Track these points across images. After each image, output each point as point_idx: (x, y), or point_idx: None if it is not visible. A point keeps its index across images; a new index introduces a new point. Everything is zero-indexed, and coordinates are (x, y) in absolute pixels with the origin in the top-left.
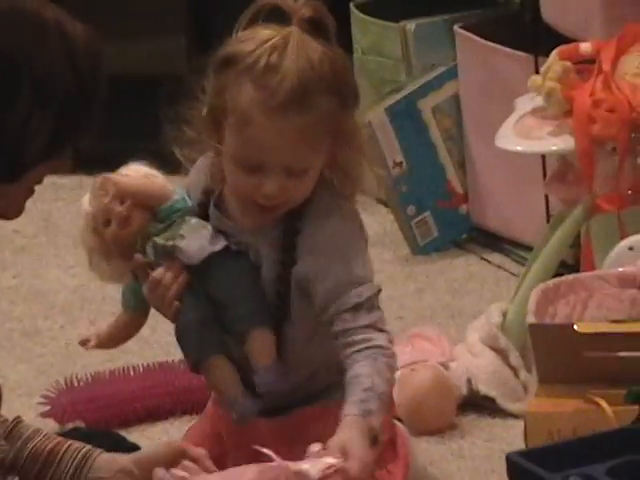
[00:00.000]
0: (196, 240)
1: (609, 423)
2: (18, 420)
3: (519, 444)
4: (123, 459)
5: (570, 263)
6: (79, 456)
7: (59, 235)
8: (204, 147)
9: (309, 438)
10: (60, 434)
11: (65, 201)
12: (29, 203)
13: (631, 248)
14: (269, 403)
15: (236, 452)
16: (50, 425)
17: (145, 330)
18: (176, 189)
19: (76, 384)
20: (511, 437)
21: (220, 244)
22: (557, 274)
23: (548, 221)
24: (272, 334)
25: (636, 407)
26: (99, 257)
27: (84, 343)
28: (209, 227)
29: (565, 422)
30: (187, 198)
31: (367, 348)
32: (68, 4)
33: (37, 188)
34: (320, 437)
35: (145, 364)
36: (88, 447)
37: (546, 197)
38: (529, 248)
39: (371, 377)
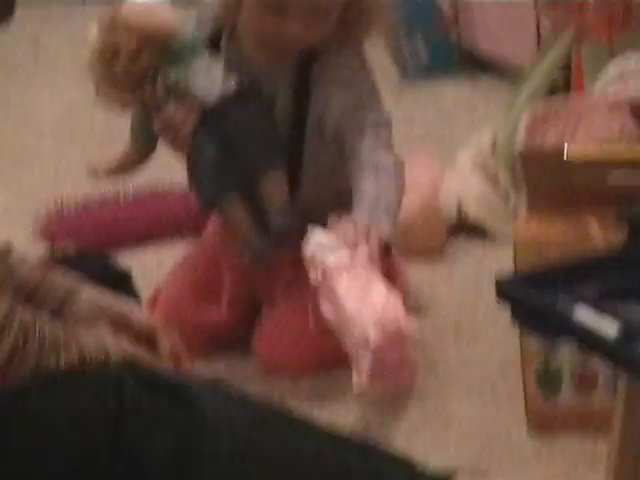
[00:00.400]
0: (209, 80)
1: (598, 247)
2: (8, 249)
3: (508, 268)
4: (104, 305)
5: (561, 86)
6: (62, 293)
7: (47, 61)
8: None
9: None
10: (50, 257)
11: (52, 28)
12: (18, 27)
13: (621, 72)
14: (280, 241)
15: (232, 274)
16: (41, 248)
17: None
18: (186, 21)
19: (66, 209)
20: (500, 261)
21: (233, 84)
22: (548, 97)
23: (539, 44)
24: (285, 176)
25: (624, 231)
26: (108, 87)
27: (94, 172)
28: (221, 64)
29: (554, 246)
30: (197, 32)
31: (374, 165)
32: None
33: (25, 13)
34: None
35: (136, 189)
36: (70, 284)
37: (537, 20)
38: (520, 72)
39: (377, 190)
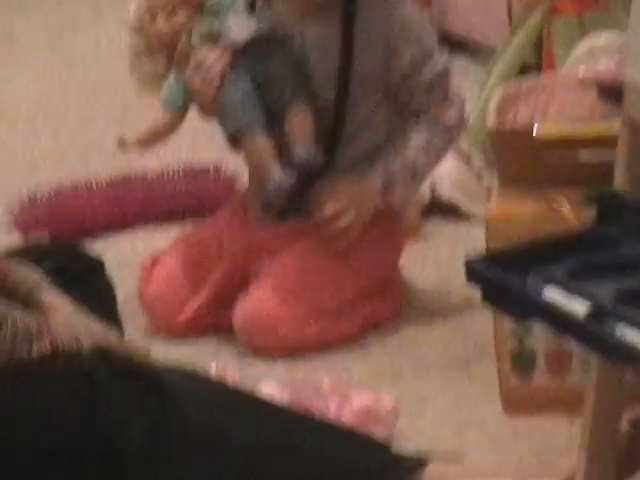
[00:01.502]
0: (241, 24)
1: (569, 225)
2: None
3: (483, 249)
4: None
5: (533, 64)
6: (30, 284)
7: (21, 50)
8: None
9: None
10: (23, 247)
11: (26, 16)
12: None
13: (592, 49)
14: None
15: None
16: (14, 238)
17: (108, 142)
18: None
19: (39, 198)
20: (475, 242)
21: (265, 28)
22: (520, 75)
23: (510, 23)
24: (310, 113)
25: (593, 210)
26: (143, 55)
27: (122, 143)
28: (255, 18)
29: (525, 225)
30: None
31: (432, 123)
32: None
33: None
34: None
35: (108, 177)
36: (32, 283)
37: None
38: (492, 50)
39: (418, 151)
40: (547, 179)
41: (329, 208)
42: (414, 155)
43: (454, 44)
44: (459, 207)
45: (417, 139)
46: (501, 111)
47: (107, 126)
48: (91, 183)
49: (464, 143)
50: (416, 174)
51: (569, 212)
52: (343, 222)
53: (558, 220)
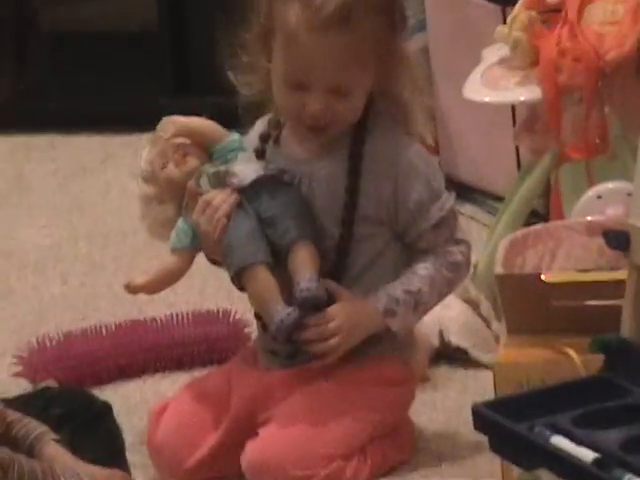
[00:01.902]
0: (249, 165)
1: (578, 372)
2: None
3: (492, 395)
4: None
5: (541, 212)
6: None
7: (31, 194)
8: (257, 70)
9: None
10: (31, 393)
11: (37, 161)
12: (1, 162)
13: (599, 197)
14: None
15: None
16: (23, 385)
17: (117, 289)
18: (233, 134)
19: (48, 343)
20: (483, 388)
21: (273, 169)
22: (528, 224)
23: (519, 170)
24: (315, 250)
25: (602, 356)
26: (154, 202)
27: (130, 287)
28: (263, 162)
29: (534, 372)
30: (243, 141)
31: (439, 260)
32: None
33: (10, 147)
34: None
35: (117, 322)
36: (33, 437)
37: (517, 147)
38: (500, 198)
39: (423, 283)
40: (555, 325)
41: (321, 325)
42: (418, 285)
43: (462, 191)
44: (468, 353)
45: (422, 271)
46: (509, 257)
47: (116, 272)
48: (100, 328)
49: (472, 289)
50: (419, 304)
51: (577, 359)
52: (332, 342)
53: (566, 367)
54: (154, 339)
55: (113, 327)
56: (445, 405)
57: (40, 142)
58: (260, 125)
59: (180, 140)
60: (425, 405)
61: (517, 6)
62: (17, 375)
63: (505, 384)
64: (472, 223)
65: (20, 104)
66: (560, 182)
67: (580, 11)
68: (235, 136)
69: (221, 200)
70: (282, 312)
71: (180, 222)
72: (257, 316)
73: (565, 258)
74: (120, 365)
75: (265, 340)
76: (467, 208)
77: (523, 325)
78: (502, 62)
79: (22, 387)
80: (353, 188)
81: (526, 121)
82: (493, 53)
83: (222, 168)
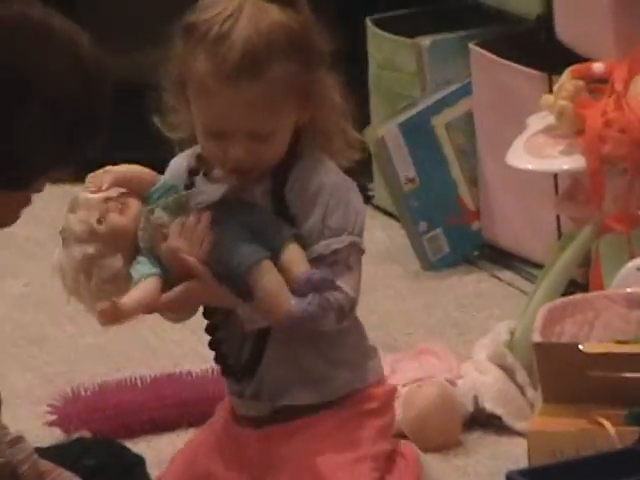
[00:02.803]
0: (207, 186)
1: (612, 444)
2: (18, 437)
3: (524, 463)
4: None
5: (580, 282)
6: None
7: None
8: (181, 116)
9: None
10: (65, 443)
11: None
12: (40, 210)
13: (638, 271)
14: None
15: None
16: (56, 434)
17: (153, 340)
18: (166, 177)
19: (83, 393)
20: (516, 455)
21: (232, 189)
22: (567, 293)
23: (559, 239)
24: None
25: (637, 428)
26: (97, 262)
27: (103, 315)
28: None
29: (568, 442)
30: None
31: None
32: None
33: (48, 196)
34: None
35: (152, 375)
36: None
37: (557, 215)
38: (540, 266)
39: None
40: (591, 396)
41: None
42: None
43: (502, 258)
44: (502, 420)
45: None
46: (547, 326)
47: (152, 324)
48: (135, 380)
49: (509, 356)
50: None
51: (612, 430)
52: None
53: (601, 438)
54: (188, 393)
55: (148, 379)
56: (477, 471)
57: (79, 191)
58: (179, 162)
59: (114, 190)
60: (458, 470)
61: (564, 75)
62: (51, 424)
63: (539, 452)
64: (510, 290)
65: None
66: (600, 252)
67: (627, 82)
68: (168, 178)
69: (195, 220)
70: (300, 301)
71: (139, 259)
72: (216, 360)
73: (603, 329)
74: (154, 418)
75: (231, 384)
76: (506, 274)
77: (559, 394)
78: (546, 130)
79: (56, 437)
80: (279, 210)
81: (568, 190)
82: (538, 121)
83: (182, 193)
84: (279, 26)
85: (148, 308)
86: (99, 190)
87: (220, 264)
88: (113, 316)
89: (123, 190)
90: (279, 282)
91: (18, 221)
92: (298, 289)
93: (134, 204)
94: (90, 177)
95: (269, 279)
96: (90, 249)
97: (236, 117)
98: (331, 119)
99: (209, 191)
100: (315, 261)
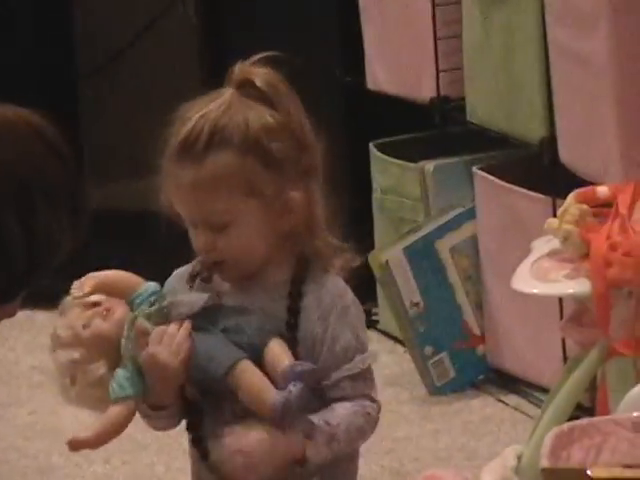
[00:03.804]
0: (190, 295)
1: None
2: None
3: None
4: None
5: (587, 406)
6: None
7: None
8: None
9: None
10: None
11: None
12: (47, 339)
13: None
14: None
15: None
16: None
17: (159, 469)
18: (148, 282)
19: None
20: None
21: (214, 297)
22: (573, 417)
23: (565, 363)
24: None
25: None
26: (80, 367)
27: (73, 443)
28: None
29: None
30: (158, 287)
31: (355, 405)
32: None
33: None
34: None
35: None
36: None
37: (563, 339)
38: (546, 390)
39: (341, 419)
40: None
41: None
42: (337, 420)
43: (508, 382)
44: None
45: (341, 409)
46: (554, 451)
47: (158, 452)
48: None
49: None
50: (333, 439)
51: None
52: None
53: None
54: None
55: None
56: None
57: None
58: (179, 273)
59: (97, 296)
60: None
61: (568, 199)
62: None
63: None
64: (517, 414)
65: (64, 281)
66: (607, 376)
67: (631, 206)
68: (151, 283)
69: (175, 328)
70: (282, 394)
71: (119, 371)
72: (194, 442)
73: (611, 453)
74: None
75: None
76: (512, 399)
77: None
78: (552, 254)
79: None
80: (293, 325)
81: (574, 314)
82: (542, 245)
83: (164, 303)
84: (251, 121)
85: (116, 435)
86: (84, 295)
87: (199, 372)
88: (81, 447)
89: (104, 297)
90: (259, 379)
91: (23, 350)
92: (283, 382)
93: (119, 310)
94: (75, 283)
95: (248, 378)
96: (75, 354)
97: (183, 201)
98: (311, 230)
99: (192, 301)
100: (357, 378)
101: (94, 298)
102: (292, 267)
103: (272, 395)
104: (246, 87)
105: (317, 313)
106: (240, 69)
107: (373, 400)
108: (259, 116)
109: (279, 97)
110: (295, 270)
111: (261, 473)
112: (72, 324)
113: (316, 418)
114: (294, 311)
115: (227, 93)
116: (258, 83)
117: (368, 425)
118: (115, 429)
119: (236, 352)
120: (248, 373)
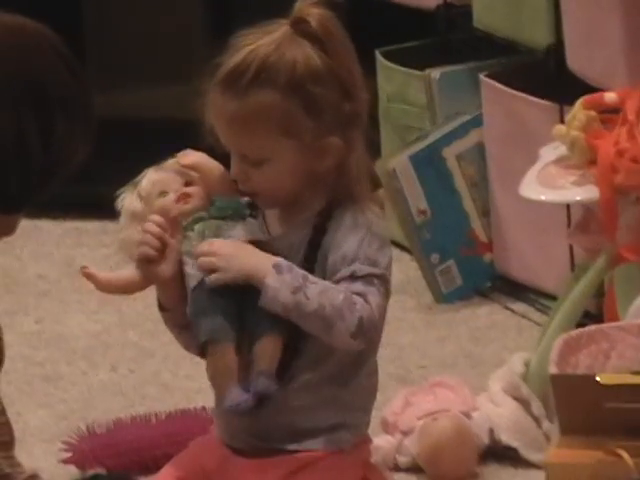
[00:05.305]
0: (244, 223)
1: (630, 475)
2: (33, 475)
3: None
4: None
5: (594, 313)
6: None
7: (82, 280)
8: None
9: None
10: None
11: (88, 246)
12: (53, 248)
13: None
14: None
15: None
16: (71, 471)
17: (166, 376)
18: (241, 197)
19: (97, 430)
20: None
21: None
22: (581, 324)
23: (572, 270)
24: (282, 343)
25: None
26: (136, 221)
27: (85, 272)
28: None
29: (585, 473)
30: (245, 207)
31: (344, 290)
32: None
33: (61, 232)
34: None
35: (166, 411)
36: None
37: (570, 246)
38: (553, 297)
39: (319, 282)
40: (608, 427)
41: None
42: (314, 279)
43: (515, 290)
44: (518, 452)
45: (328, 283)
46: (563, 357)
47: (165, 360)
48: (149, 417)
49: (524, 388)
50: (300, 290)
51: (630, 461)
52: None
53: (619, 469)
54: (203, 428)
55: (162, 416)
56: None
57: (91, 227)
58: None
59: (193, 174)
60: None
61: (575, 105)
62: (66, 462)
63: None
64: (523, 322)
65: (70, 189)
66: (614, 283)
67: (639, 112)
68: (241, 199)
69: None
70: (238, 397)
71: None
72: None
73: (618, 359)
74: (169, 454)
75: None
76: (519, 306)
77: (576, 426)
78: (559, 161)
79: (71, 474)
80: (311, 258)
81: (581, 221)
82: (550, 151)
83: (224, 225)
84: (292, 61)
85: (119, 292)
86: (187, 166)
87: (193, 315)
88: (88, 279)
89: (197, 176)
90: (227, 370)
91: (30, 258)
92: (247, 383)
93: (194, 201)
94: (187, 150)
95: (219, 364)
96: (138, 207)
97: (221, 131)
98: (346, 177)
99: (244, 230)
100: (347, 279)
101: (192, 174)
102: (322, 206)
103: (228, 394)
104: (301, 26)
105: (338, 232)
106: (298, 7)
107: (367, 302)
108: (307, 57)
109: (331, 41)
110: (323, 208)
111: (225, 274)
112: (156, 183)
113: (296, 266)
114: (314, 245)
115: (281, 29)
116: (313, 24)
117: (348, 311)
118: (129, 287)
119: (225, 331)
120: (220, 357)
